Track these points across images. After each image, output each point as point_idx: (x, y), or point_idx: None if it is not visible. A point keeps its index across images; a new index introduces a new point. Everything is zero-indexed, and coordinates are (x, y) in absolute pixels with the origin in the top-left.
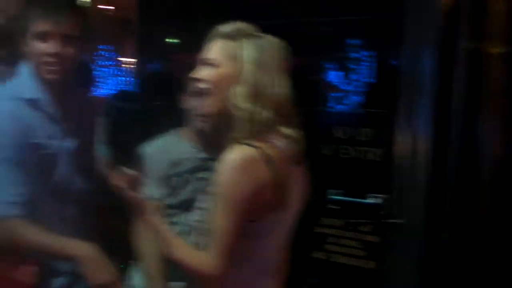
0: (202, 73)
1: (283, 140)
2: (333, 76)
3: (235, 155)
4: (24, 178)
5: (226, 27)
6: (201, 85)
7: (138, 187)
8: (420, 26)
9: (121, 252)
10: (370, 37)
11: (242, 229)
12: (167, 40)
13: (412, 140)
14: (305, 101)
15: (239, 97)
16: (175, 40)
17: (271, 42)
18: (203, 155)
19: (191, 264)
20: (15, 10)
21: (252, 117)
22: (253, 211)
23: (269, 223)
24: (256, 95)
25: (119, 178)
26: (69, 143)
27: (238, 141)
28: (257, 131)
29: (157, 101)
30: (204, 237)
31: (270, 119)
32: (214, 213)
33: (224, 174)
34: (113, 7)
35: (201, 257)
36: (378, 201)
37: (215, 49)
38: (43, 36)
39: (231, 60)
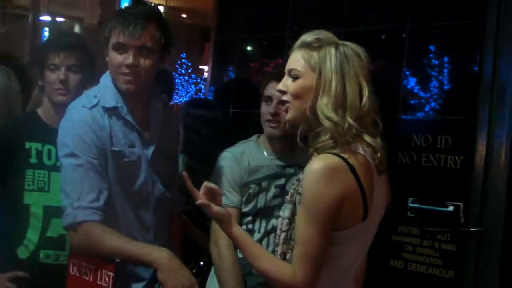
0: (286, 84)
1: (367, 148)
2: (412, 82)
3: (320, 165)
4: (103, 184)
5: (308, 37)
6: (285, 96)
7: (219, 200)
8: (501, 33)
9: (197, 259)
10: (450, 43)
11: (328, 239)
12: (244, 47)
13: (491, 147)
14: (383, 108)
15: (323, 107)
16: (253, 48)
17: (353, 49)
18: (280, 162)
19: (276, 276)
20: (96, 20)
21: (337, 127)
22: (338, 220)
23: (353, 231)
24: (340, 104)
25: (200, 191)
26: (149, 151)
27: (323, 151)
28: (342, 141)
29: (235, 109)
30: (287, 246)
31: (354, 128)
32: (300, 222)
33: (309, 184)
34: (191, 16)
35: (286, 269)
36: (457, 209)
37: (298, 60)
38: (120, 48)
39: (314, 70)
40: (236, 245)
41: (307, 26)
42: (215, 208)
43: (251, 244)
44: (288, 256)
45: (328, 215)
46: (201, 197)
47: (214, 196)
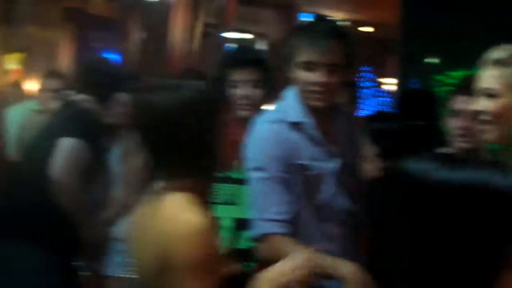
0: (481, 104)
1: None
2: None
3: None
4: (288, 197)
5: (499, 53)
6: (482, 117)
7: None
8: None
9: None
10: None
11: None
12: (429, 59)
13: None
14: None
15: None
16: (437, 59)
17: None
18: None
19: None
20: (280, 36)
21: None
22: None
23: None
24: None
25: None
26: (334, 164)
27: None
28: None
29: (420, 121)
30: None
31: None
32: None
33: None
34: (374, 28)
35: None
36: None
37: (492, 78)
38: (309, 66)
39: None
40: None
41: (494, 37)
42: None
43: None
44: None
45: None
46: None
47: None
